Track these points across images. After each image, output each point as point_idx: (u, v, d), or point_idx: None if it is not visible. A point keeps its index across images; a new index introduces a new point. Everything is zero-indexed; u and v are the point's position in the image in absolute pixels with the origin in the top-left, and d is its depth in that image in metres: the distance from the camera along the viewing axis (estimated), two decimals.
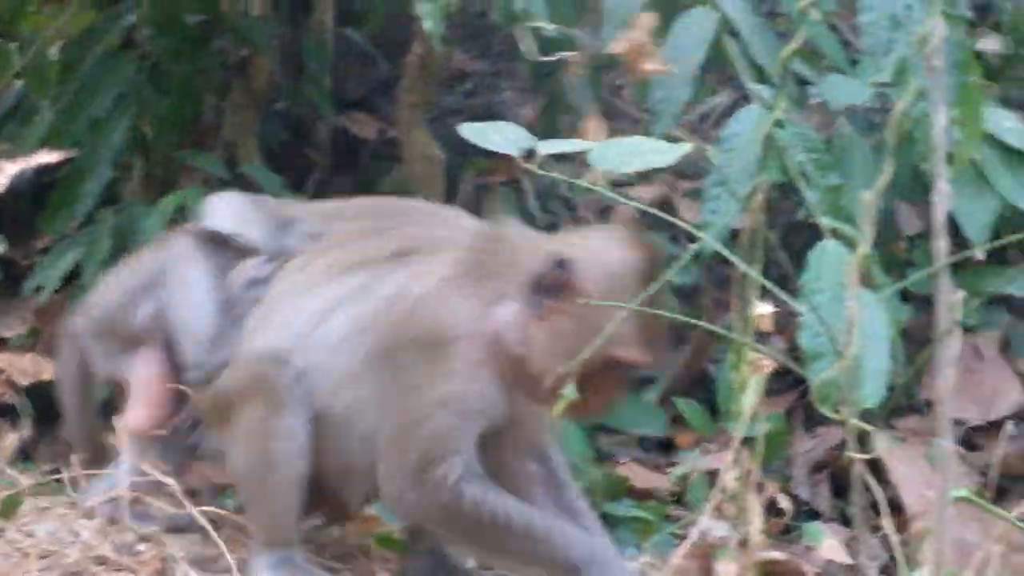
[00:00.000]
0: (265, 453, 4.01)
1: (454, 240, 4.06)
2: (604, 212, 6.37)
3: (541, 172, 3.24)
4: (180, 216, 5.49)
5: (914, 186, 5.80)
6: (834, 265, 4.35)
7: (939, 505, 2.94)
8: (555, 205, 6.13)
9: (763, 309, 3.49)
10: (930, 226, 5.83)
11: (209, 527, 4.11)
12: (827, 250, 4.37)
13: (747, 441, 5.43)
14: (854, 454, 2.94)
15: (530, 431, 4.12)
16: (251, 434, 4.04)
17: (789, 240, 5.95)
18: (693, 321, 3.41)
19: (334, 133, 6.59)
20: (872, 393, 4.40)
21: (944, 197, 2.76)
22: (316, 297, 4.10)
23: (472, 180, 6.22)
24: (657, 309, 3.78)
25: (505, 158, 3.45)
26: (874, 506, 4.95)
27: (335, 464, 4.06)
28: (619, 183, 6.42)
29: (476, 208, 6.19)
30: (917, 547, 3.19)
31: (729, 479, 3.54)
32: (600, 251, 3.89)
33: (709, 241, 3.30)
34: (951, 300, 2.94)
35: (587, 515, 4.16)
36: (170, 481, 4.13)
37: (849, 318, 2.94)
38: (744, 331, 3.42)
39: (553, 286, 3.82)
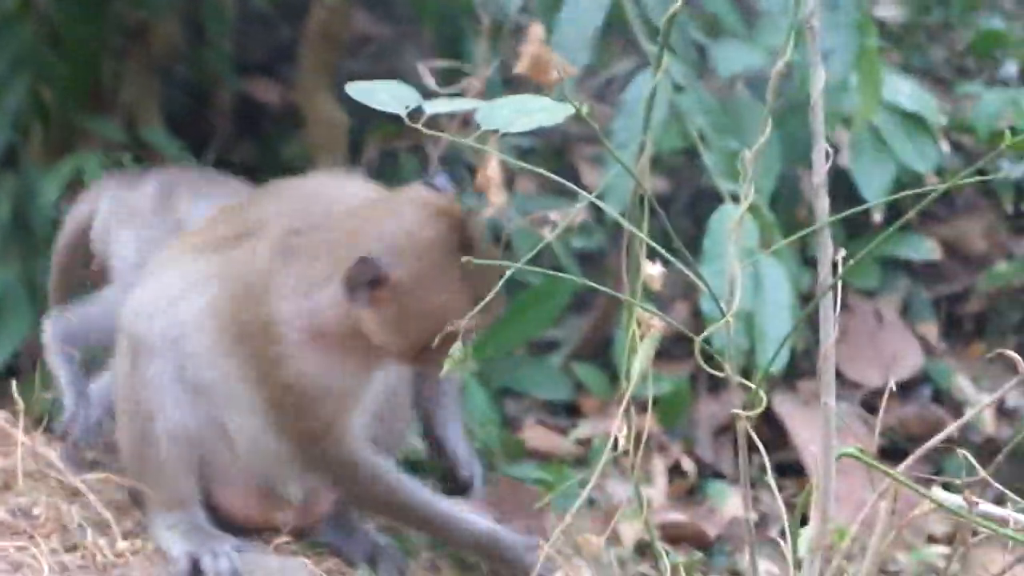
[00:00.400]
0: (137, 404, 4.05)
1: (288, 217, 4.09)
2: (510, 179, 6.38)
3: (429, 132, 3.21)
4: (78, 180, 5.45)
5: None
6: (729, 224, 4.37)
7: (823, 462, 2.96)
8: (460, 170, 6.10)
9: (653, 270, 3.48)
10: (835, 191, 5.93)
11: (85, 489, 4.12)
12: (726, 213, 4.39)
13: (655, 404, 5.51)
14: (738, 411, 2.94)
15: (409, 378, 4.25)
16: (123, 389, 4.09)
17: (694, 209, 5.99)
18: (593, 286, 3.40)
19: (236, 98, 6.54)
20: (777, 359, 4.44)
21: (823, 155, 2.76)
22: (179, 272, 4.15)
23: (377, 146, 6.18)
24: (481, 274, 3.77)
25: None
26: (779, 468, 5.03)
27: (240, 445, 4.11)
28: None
29: (380, 174, 6.18)
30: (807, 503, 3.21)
31: (621, 439, 3.52)
32: (409, 231, 3.88)
33: (596, 201, 3.28)
34: (833, 257, 2.94)
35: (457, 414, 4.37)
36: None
37: (732, 277, 2.93)
38: (634, 290, 3.40)
39: (367, 281, 3.84)
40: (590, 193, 4.13)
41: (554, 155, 6.62)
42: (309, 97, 5.96)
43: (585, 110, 3.00)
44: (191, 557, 3.93)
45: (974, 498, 3.13)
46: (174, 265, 4.18)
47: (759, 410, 3.09)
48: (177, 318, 4.07)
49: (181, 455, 4.04)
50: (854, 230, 5.79)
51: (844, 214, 3.11)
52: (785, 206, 5.60)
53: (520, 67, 4.36)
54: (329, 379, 3.96)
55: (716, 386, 5.71)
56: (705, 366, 3.24)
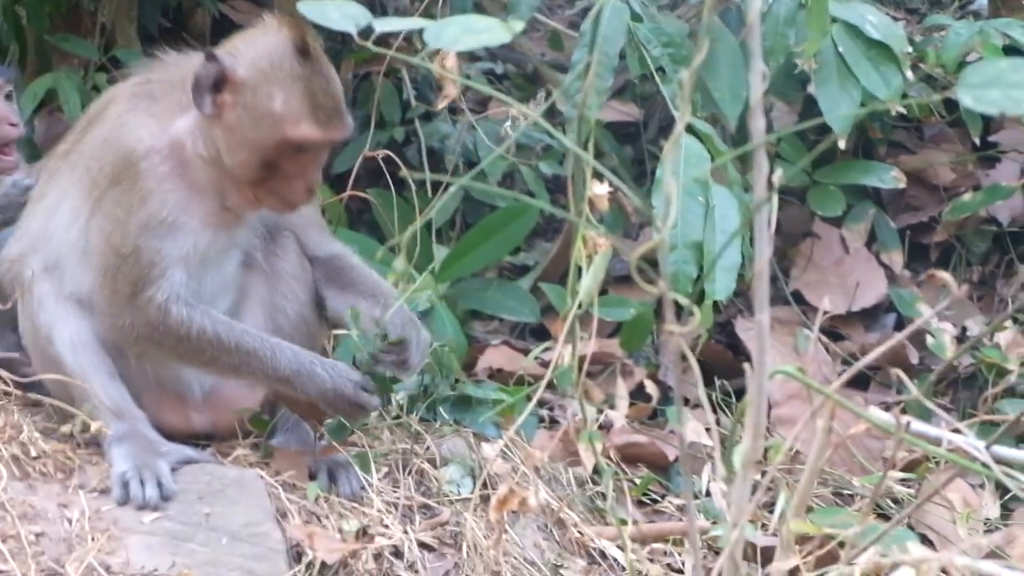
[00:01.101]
0: (36, 333, 4.13)
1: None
2: (483, 103, 6.43)
3: (400, 56, 3.26)
4: (51, 98, 5.49)
5: (786, 83, 5.89)
6: (688, 159, 4.42)
7: (756, 377, 3.02)
8: (433, 96, 6.14)
9: (600, 189, 3.54)
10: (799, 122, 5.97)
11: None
12: (681, 145, 4.42)
13: (617, 329, 5.56)
14: (672, 327, 2.99)
15: (287, 234, 4.28)
16: (24, 329, 4.19)
17: (666, 136, 6.02)
18: (551, 208, 3.45)
19: (214, 19, 6.56)
20: (722, 286, 4.51)
21: (759, 78, 2.80)
22: (45, 197, 4.24)
23: (351, 69, 6.22)
24: (323, 84, 3.90)
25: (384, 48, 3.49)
26: (741, 393, 5.08)
27: None
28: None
29: (355, 98, 6.22)
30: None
31: (567, 357, 3.58)
32: (254, 40, 4.00)
33: (550, 128, 3.33)
34: (770, 175, 2.99)
35: (383, 288, 4.35)
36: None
37: (667, 197, 2.98)
38: (579, 208, 3.46)
39: (213, 81, 3.92)
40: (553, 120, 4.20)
41: (527, 81, 6.66)
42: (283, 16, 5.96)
43: (523, 27, 3.02)
44: (123, 480, 3.96)
45: (905, 418, 3.18)
46: (38, 198, 4.28)
47: (693, 328, 3.13)
48: (50, 239, 4.15)
49: (91, 362, 4.09)
50: (820, 158, 5.85)
51: (773, 136, 3.14)
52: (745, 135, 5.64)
53: None
54: (180, 217, 4.00)
55: (682, 311, 5.76)
56: (647, 287, 3.28)
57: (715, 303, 4.66)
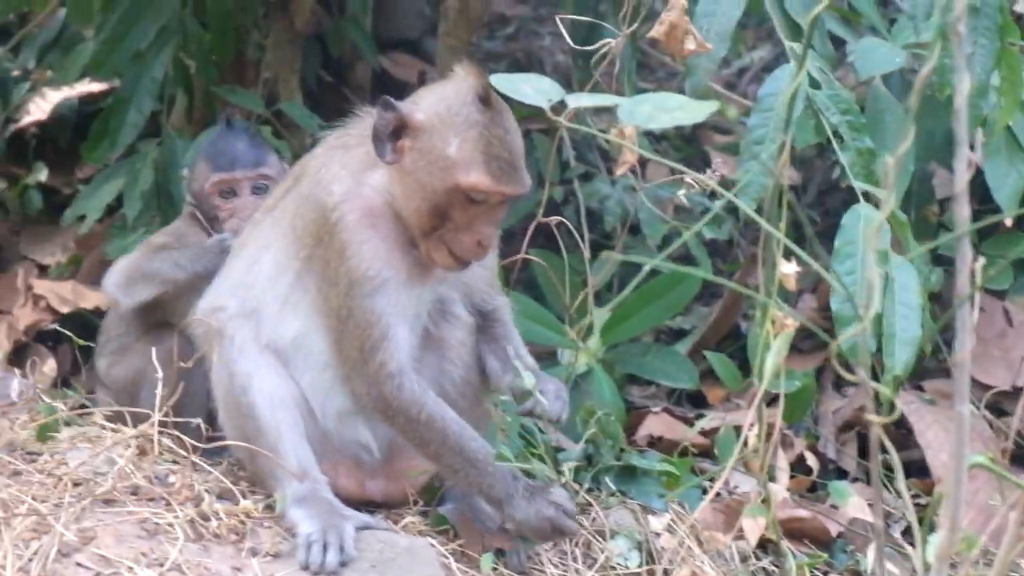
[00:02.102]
0: (231, 379, 4.13)
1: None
2: (643, 163, 6.38)
3: (570, 125, 3.24)
4: None
5: (948, 149, 5.78)
6: (866, 230, 4.33)
7: (954, 470, 2.94)
8: (593, 156, 6.13)
9: (788, 268, 3.49)
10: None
11: (212, 469, 4.18)
12: (859, 213, 4.35)
13: (776, 399, 5.48)
14: (872, 416, 2.93)
15: (461, 290, 4.25)
16: (218, 377, 4.17)
17: (824, 201, 5.95)
18: (724, 281, 3.41)
19: (374, 73, 6.59)
20: (901, 358, 4.40)
21: (965, 163, 2.75)
22: (246, 248, 4.27)
23: None
24: (500, 134, 3.88)
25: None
26: (905, 467, 4.97)
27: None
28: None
29: None
30: (937, 510, 3.19)
31: (752, 435, 3.53)
32: (438, 88, 4.03)
33: (732, 199, 3.29)
34: (971, 265, 2.92)
35: (520, 349, 4.31)
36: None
37: (870, 280, 2.92)
38: (769, 289, 3.41)
39: (392, 129, 3.94)
40: (721, 184, 4.16)
41: (685, 142, 6.62)
42: (446, 75, 5.98)
43: (733, 113, 2.99)
44: (308, 542, 3.93)
45: None
46: (238, 251, 4.30)
47: (894, 417, 3.08)
48: (250, 287, 4.16)
49: (284, 420, 4.09)
50: (985, 230, 5.73)
51: (980, 224, 3.07)
52: (917, 203, 5.55)
53: (656, 32, 4.33)
54: (383, 270, 3.99)
55: (841, 382, 5.68)
56: (840, 369, 3.23)
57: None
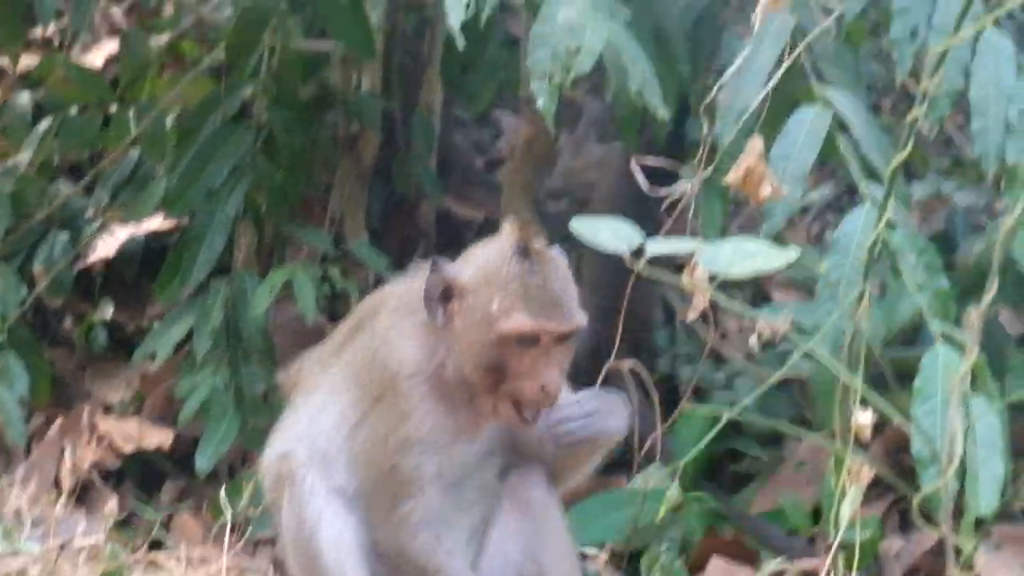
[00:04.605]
0: (300, 525, 4.10)
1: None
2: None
3: (645, 274, 3.26)
4: (287, 289, 5.56)
5: (1016, 290, 5.76)
6: (945, 371, 4.29)
7: None
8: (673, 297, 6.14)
9: (864, 418, 3.48)
10: None
11: None
12: (938, 355, 4.31)
13: (843, 547, 5.41)
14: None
15: (514, 447, 4.22)
16: (287, 521, 4.15)
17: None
18: (802, 432, 3.41)
19: (439, 213, 6.64)
20: (987, 501, 4.33)
21: None
22: (312, 393, 4.26)
23: (574, 263, 6.21)
24: (543, 283, 3.88)
25: None
26: None
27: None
28: None
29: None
30: None
31: None
32: (485, 245, 4.04)
33: (813, 352, 3.29)
34: None
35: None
36: None
37: (951, 428, 2.91)
38: (844, 439, 3.40)
39: (441, 291, 3.96)
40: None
41: (750, 279, 6.60)
42: (509, 213, 6.01)
43: (820, 265, 3.00)
44: None
45: None
46: (305, 392, 4.30)
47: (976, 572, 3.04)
48: (316, 437, 4.16)
49: (349, 565, 4.07)
50: None
51: None
52: (982, 343, 5.52)
53: (731, 176, 4.35)
54: (438, 436, 4.01)
55: (906, 524, 5.61)
56: (919, 520, 3.20)
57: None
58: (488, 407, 4.01)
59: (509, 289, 3.91)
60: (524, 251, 3.94)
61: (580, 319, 3.97)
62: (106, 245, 6.36)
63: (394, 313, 4.13)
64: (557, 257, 4.02)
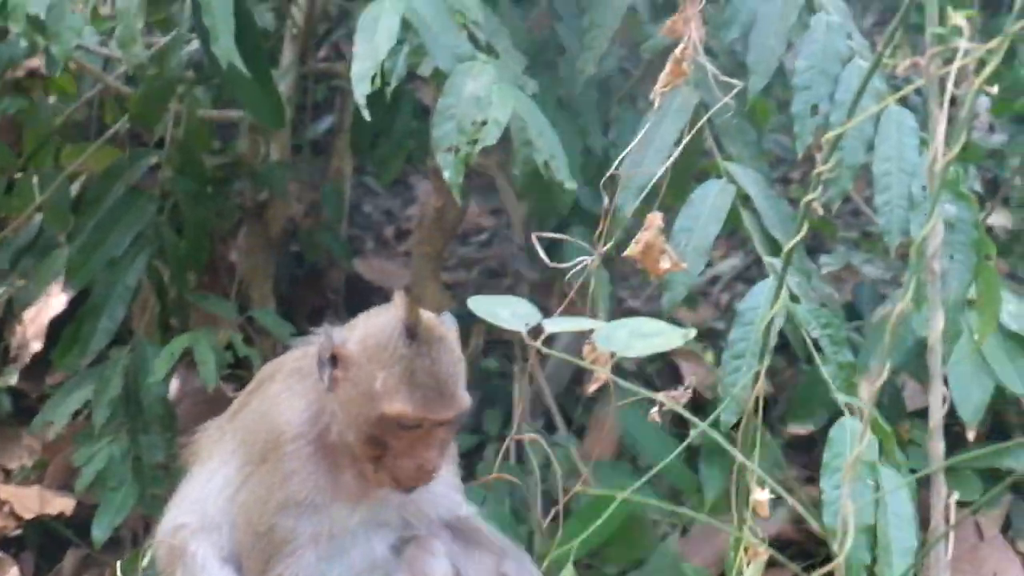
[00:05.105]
0: None
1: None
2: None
3: (545, 351, 3.26)
4: (188, 357, 5.51)
5: (920, 361, 5.81)
6: (853, 443, 4.30)
7: None
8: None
9: (762, 496, 3.49)
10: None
11: None
12: (846, 427, 4.33)
13: None
14: None
15: (423, 504, 4.23)
16: None
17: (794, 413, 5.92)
18: (703, 518, 3.41)
19: (347, 278, 6.63)
20: (899, 571, 4.34)
21: (939, 402, 2.78)
22: (205, 462, 4.27)
23: (482, 335, 6.22)
24: (429, 364, 3.86)
25: None
26: None
27: None
28: None
29: (480, 364, 6.22)
30: None
31: None
32: (373, 316, 4.03)
33: (710, 431, 3.30)
34: (947, 500, 2.93)
35: (513, 547, 4.33)
36: None
37: (844, 519, 2.92)
38: (740, 518, 3.41)
39: (329, 357, 3.96)
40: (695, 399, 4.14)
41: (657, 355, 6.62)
42: (420, 282, 6.02)
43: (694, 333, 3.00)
44: None
45: None
46: (200, 460, 4.31)
47: None
48: (204, 503, 4.16)
49: None
50: (952, 441, 5.70)
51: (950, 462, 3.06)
52: (887, 415, 5.55)
53: (631, 251, 4.37)
54: (317, 498, 4.01)
55: None
56: None
57: None
58: (370, 473, 4.01)
59: (394, 371, 3.89)
60: (412, 331, 3.91)
61: (463, 403, 3.96)
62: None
63: (289, 377, 4.14)
64: (446, 334, 3.99)
